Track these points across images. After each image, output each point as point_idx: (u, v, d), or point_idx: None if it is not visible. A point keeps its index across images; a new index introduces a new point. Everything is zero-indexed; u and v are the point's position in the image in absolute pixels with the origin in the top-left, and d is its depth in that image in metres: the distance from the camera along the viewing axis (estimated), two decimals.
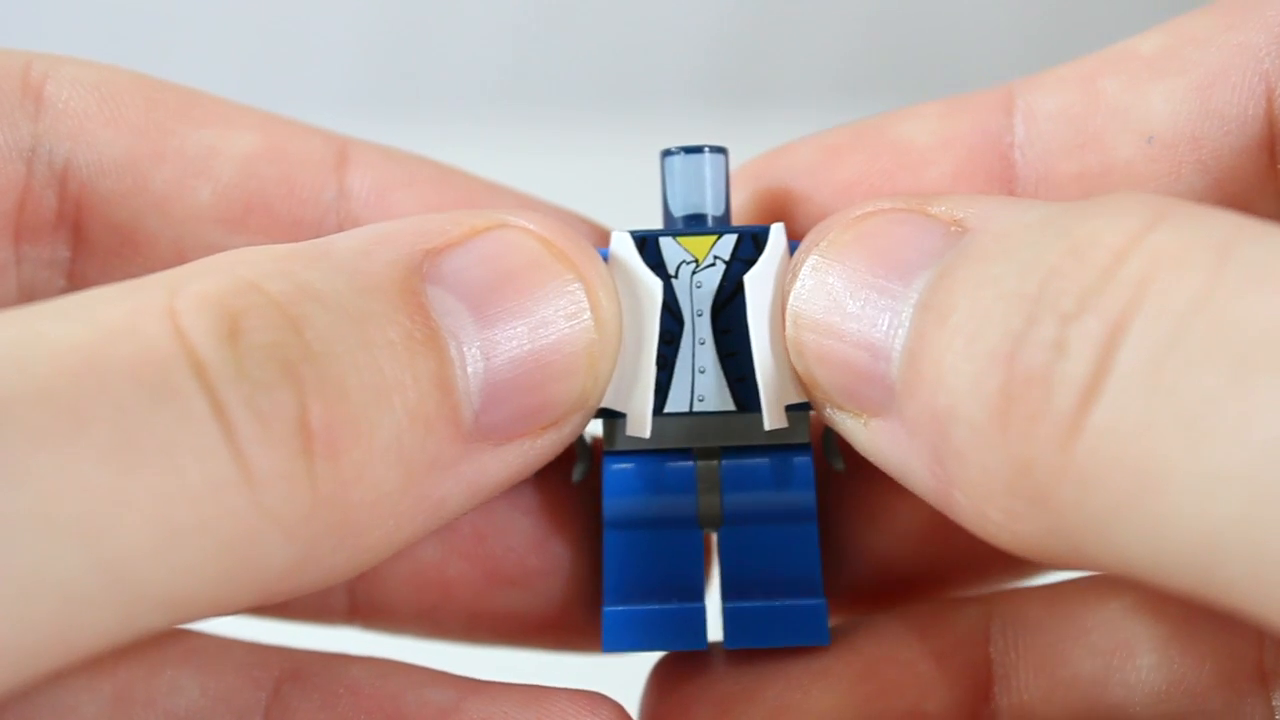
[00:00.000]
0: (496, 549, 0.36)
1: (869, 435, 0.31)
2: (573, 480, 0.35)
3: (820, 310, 0.31)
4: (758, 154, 0.37)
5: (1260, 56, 0.33)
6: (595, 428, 0.34)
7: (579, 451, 0.35)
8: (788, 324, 0.32)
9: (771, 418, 0.33)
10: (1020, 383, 0.26)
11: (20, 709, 0.32)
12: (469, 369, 0.29)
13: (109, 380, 0.25)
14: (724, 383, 0.34)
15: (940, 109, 0.36)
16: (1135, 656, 0.34)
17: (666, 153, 0.35)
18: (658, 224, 0.35)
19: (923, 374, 0.28)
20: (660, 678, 0.36)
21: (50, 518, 0.24)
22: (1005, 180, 0.35)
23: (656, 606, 0.34)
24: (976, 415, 0.27)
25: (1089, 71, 0.35)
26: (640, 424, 0.33)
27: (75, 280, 0.36)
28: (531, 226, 0.31)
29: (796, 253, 0.33)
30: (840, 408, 0.31)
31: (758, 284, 0.33)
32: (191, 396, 0.25)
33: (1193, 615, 0.33)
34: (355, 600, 0.37)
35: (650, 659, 0.36)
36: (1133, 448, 0.25)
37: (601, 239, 0.35)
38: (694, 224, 0.35)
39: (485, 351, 0.29)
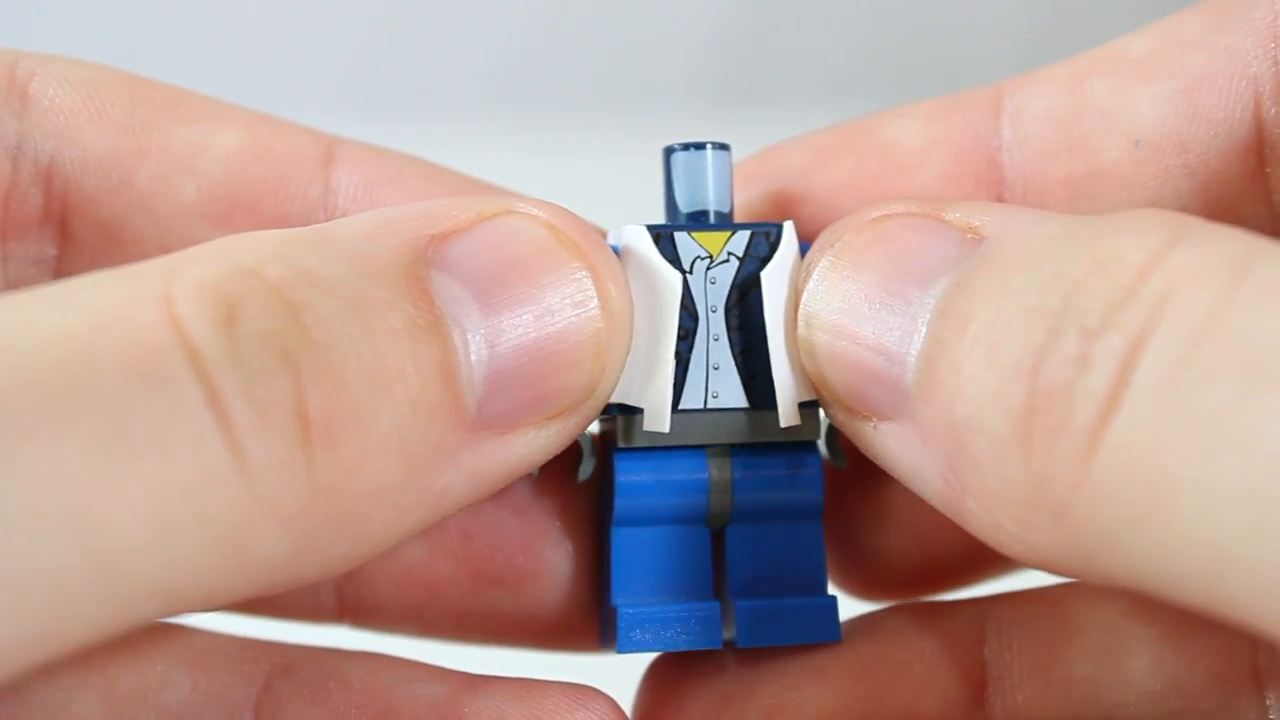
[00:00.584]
0: (484, 549, 0.36)
1: (879, 439, 0.31)
2: (579, 479, 0.35)
3: (834, 312, 0.31)
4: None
5: (1248, 60, 0.33)
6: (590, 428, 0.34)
7: (584, 449, 0.35)
8: (800, 325, 0.32)
9: (788, 415, 0.33)
10: (1043, 396, 0.26)
11: (11, 706, 0.32)
12: (472, 357, 0.29)
13: (101, 369, 0.25)
14: (738, 379, 0.34)
15: (928, 110, 0.36)
16: (1130, 657, 0.34)
17: (670, 149, 0.35)
18: (658, 223, 0.35)
19: (940, 381, 0.28)
20: (656, 676, 0.36)
21: (41, 509, 0.24)
22: (993, 183, 0.36)
23: (672, 606, 0.34)
24: (997, 426, 0.27)
25: (1077, 72, 0.35)
26: (659, 419, 0.33)
27: (62, 278, 0.35)
28: (539, 213, 0.31)
29: (809, 253, 0.33)
30: (850, 410, 0.31)
31: (774, 281, 0.33)
32: (186, 385, 0.25)
33: (1187, 616, 0.33)
34: (343, 599, 0.37)
35: (639, 657, 0.36)
36: (1145, 462, 0.25)
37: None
38: (698, 220, 0.34)
39: (489, 339, 0.29)
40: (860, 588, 0.38)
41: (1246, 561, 0.24)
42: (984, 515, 0.28)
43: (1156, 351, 0.25)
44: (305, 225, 0.35)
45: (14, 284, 0.35)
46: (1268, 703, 0.34)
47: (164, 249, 0.35)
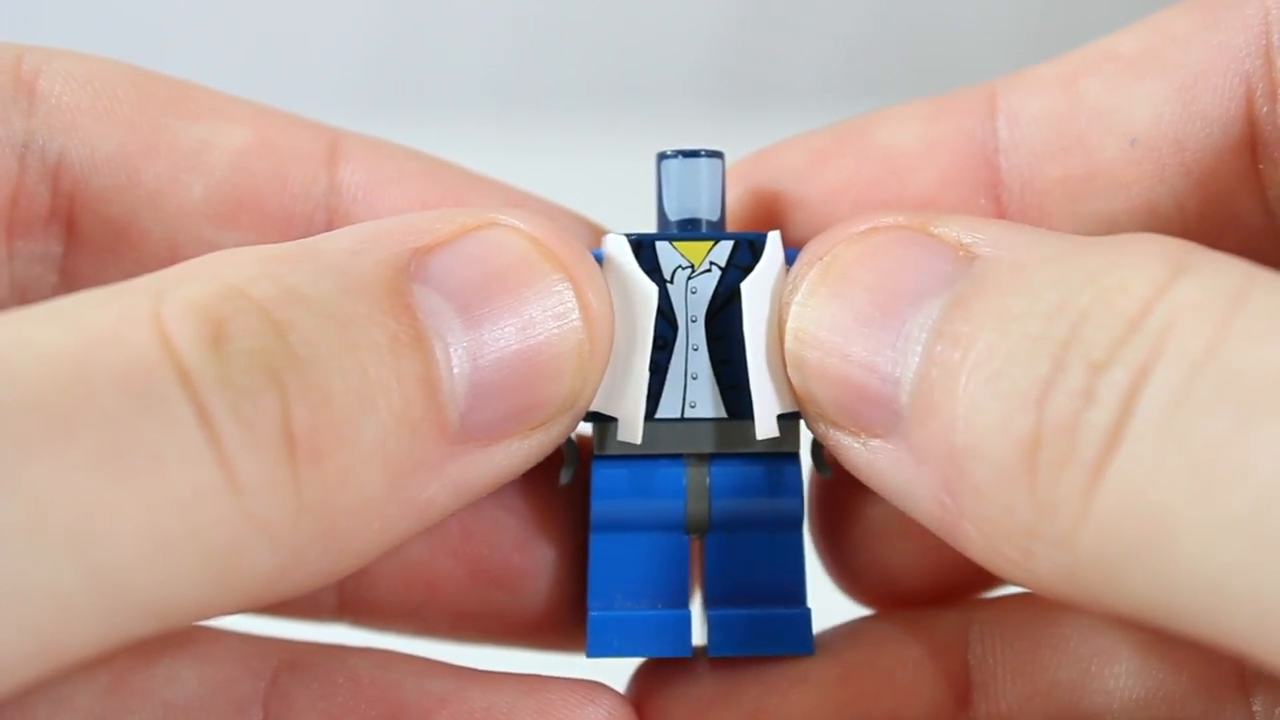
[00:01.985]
0: (482, 548, 0.36)
1: (868, 456, 0.31)
2: (560, 483, 0.35)
3: (824, 328, 0.31)
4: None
5: (1240, 57, 0.34)
6: (582, 429, 0.34)
7: (566, 454, 0.35)
8: (787, 339, 0.32)
9: (763, 427, 0.33)
10: (1050, 428, 0.26)
11: (16, 699, 0.32)
12: (455, 370, 0.29)
13: (96, 388, 0.25)
14: (716, 389, 0.34)
15: (924, 111, 0.36)
16: (1114, 663, 0.34)
17: (663, 156, 0.35)
18: (653, 226, 0.35)
19: (937, 404, 0.28)
20: (641, 680, 0.36)
21: (40, 526, 0.24)
22: (991, 185, 0.36)
23: (642, 612, 0.34)
24: (1002, 456, 0.27)
25: (1070, 72, 0.35)
26: (632, 429, 0.33)
27: (68, 276, 0.36)
28: (521, 225, 0.31)
29: (796, 264, 0.32)
30: (838, 425, 0.31)
31: (754, 292, 0.33)
32: (177, 404, 0.26)
33: None
34: (344, 597, 0.37)
35: (634, 660, 0.36)
36: (1146, 495, 0.25)
37: (598, 238, 0.35)
38: (689, 228, 0.34)
39: (472, 352, 0.29)
40: (860, 593, 0.38)
41: (1245, 593, 0.24)
42: (982, 540, 0.28)
43: (1157, 385, 0.25)
44: (309, 222, 0.35)
45: (21, 282, 0.35)
46: (1254, 709, 0.34)
47: (170, 247, 0.35)
